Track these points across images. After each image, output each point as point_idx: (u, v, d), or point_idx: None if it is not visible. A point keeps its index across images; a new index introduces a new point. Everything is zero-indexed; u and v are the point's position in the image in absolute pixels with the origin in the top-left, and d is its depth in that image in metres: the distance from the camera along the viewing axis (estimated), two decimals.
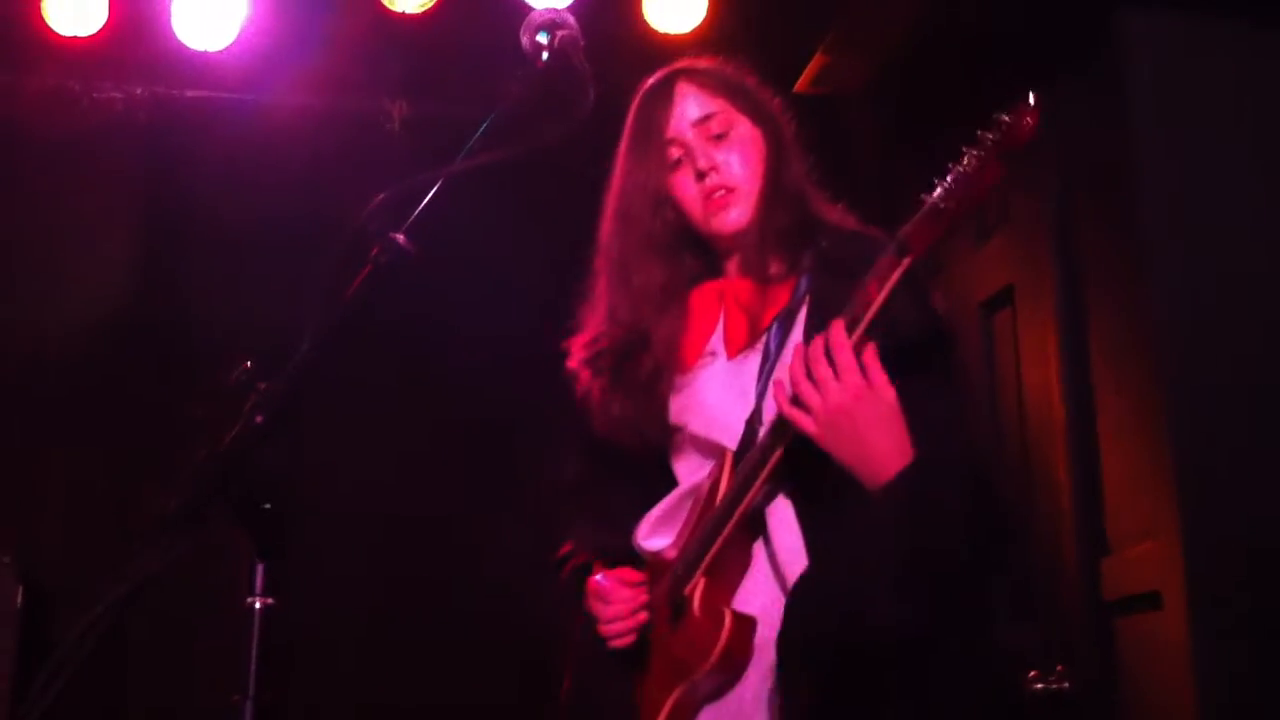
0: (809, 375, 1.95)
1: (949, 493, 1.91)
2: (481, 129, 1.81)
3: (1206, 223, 3.21)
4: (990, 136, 1.82)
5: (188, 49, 4.28)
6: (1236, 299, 3.17)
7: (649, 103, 2.33)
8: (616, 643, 2.22)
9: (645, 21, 4.32)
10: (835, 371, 1.93)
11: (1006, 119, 1.81)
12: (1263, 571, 2.97)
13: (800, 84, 4.59)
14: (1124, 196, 3.28)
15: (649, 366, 2.27)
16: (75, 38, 4.22)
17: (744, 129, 2.29)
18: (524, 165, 1.79)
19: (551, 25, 1.94)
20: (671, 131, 2.29)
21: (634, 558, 2.30)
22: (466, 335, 4.37)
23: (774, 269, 2.23)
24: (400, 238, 1.73)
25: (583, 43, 1.93)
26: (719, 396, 2.19)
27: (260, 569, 1.62)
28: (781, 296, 2.20)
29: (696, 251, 2.34)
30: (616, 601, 2.22)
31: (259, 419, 1.62)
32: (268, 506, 1.61)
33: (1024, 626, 3.49)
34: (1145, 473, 3.16)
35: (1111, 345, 3.35)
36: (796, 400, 1.97)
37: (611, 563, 2.30)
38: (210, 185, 4.49)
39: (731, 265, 2.30)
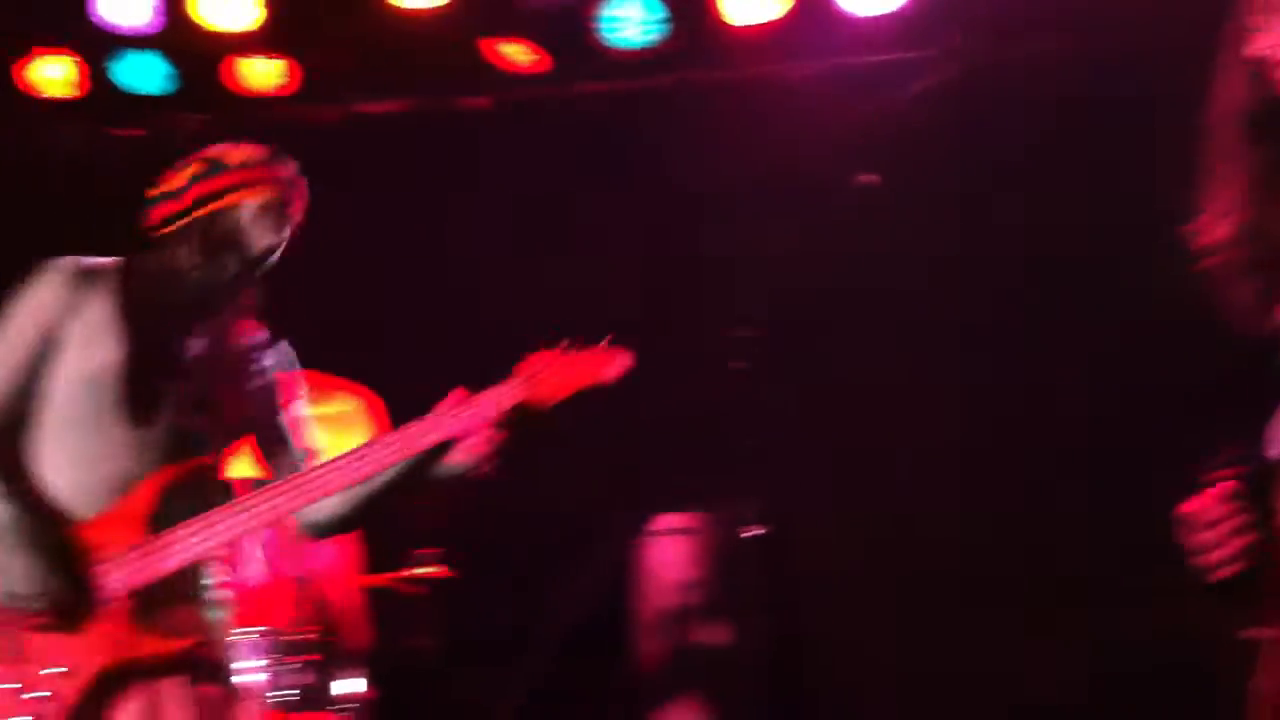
0: None
1: None
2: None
3: None
4: None
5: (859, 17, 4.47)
6: None
7: None
8: (1216, 574, 2.03)
9: None
10: None
11: None
12: None
13: None
14: None
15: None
16: (755, 25, 4.55)
17: None
18: None
19: None
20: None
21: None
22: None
23: None
24: (869, 177, 1.75)
25: None
26: None
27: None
28: None
29: None
30: (1206, 529, 2.04)
31: (742, 366, 1.72)
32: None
33: None
34: None
35: None
36: None
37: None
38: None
39: None
